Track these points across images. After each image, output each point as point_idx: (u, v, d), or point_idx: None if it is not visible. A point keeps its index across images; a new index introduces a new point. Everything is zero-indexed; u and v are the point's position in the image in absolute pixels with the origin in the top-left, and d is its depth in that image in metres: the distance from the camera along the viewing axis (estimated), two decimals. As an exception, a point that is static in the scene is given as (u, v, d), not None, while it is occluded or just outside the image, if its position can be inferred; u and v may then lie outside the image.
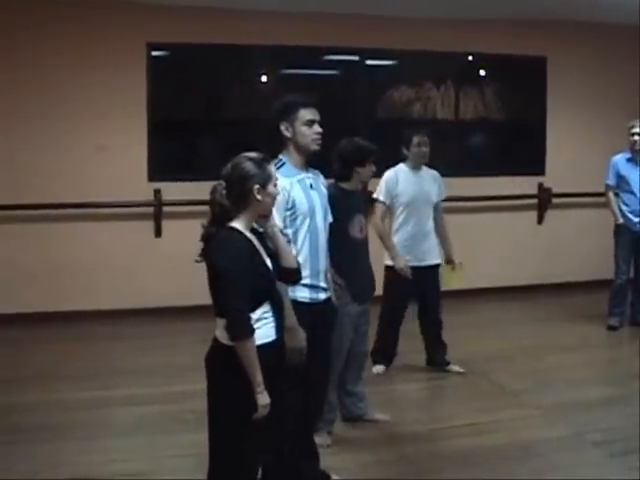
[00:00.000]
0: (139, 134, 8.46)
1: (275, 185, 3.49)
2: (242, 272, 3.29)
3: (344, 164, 5.14)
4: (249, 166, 3.42)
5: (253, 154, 3.49)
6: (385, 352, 6.60)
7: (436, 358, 6.64)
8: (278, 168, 4.06)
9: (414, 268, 6.33)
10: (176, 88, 8.80)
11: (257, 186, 3.40)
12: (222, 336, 3.34)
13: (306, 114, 4.14)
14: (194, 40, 8.44)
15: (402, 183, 6.41)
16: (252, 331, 3.26)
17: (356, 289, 5.05)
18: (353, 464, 4.83)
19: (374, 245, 5.64)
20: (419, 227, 6.42)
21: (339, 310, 4.66)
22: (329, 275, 4.44)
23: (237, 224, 3.42)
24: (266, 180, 3.44)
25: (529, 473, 4.71)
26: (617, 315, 8.09)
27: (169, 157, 8.88)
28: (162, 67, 8.69)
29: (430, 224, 6.51)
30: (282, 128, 4.16)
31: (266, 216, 3.54)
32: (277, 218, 3.92)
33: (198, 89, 9.13)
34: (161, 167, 8.58)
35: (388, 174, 6.46)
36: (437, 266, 6.59)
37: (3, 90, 8.01)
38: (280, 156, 4.20)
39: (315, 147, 4.17)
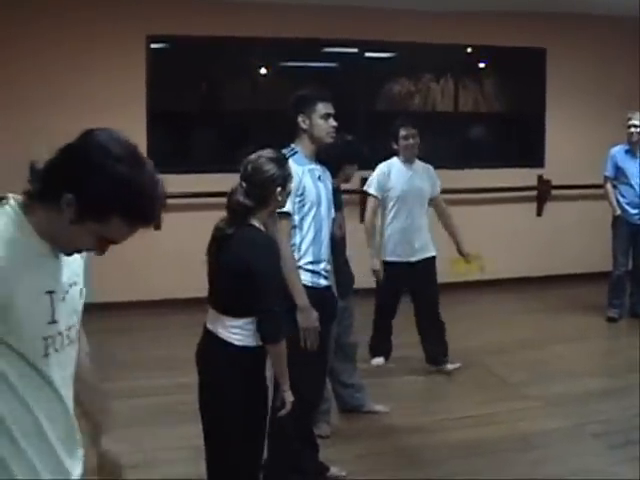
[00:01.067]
0: (138, 126, 8.44)
1: (292, 181, 3.56)
2: (278, 273, 3.34)
3: (333, 161, 4.92)
4: (272, 169, 3.45)
5: (271, 153, 3.53)
6: (381, 344, 6.63)
7: (435, 358, 6.52)
8: (291, 155, 4.12)
9: (406, 263, 6.35)
10: (175, 80, 8.79)
11: (279, 188, 3.44)
12: (226, 334, 3.34)
13: (323, 108, 4.25)
14: (193, 32, 8.42)
15: (394, 177, 6.39)
16: (286, 333, 3.34)
17: (336, 284, 5.02)
18: (351, 456, 4.85)
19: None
20: (411, 221, 6.38)
21: None
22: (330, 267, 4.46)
23: (256, 222, 3.43)
24: (286, 180, 3.51)
25: (529, 464, 4.74)
26: (616, 307, 8.10)
27: (168, 149, 8.86)
28: (161, 59, 8.67)
29: (423, 218, 6.46)
30: (299, 120, 4.25)
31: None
32: (288, 204, 3.94)
33: (197, 81, 9.13)
34: (160, 159, 8.39)
35: (380, 167, 6.46)
36: (431, 259, 6.48)
37: (1, 83, 8.00)
38: (292, 145, 4.29)
39: (329, 140, 4.29)
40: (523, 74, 10.03)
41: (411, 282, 6.46)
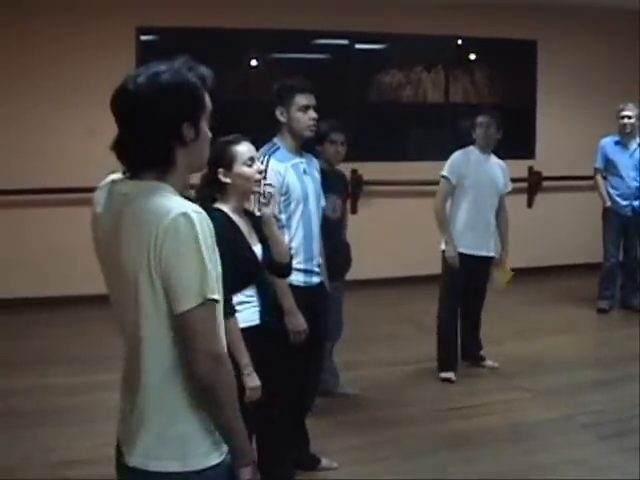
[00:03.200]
0: (129, 119, 8.43)
1: (248, 165, 3.47)
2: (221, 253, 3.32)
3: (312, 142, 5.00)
4: (212, 150, 3.44)
5: (225, 137, 3.49)
6: (449, 353, 6.26)
7: (474, 354, 6.45)
8: (273, 152, 4.09)
9: (471, 257, 6.12)
10: (165, 72, 8.74)
11: (221, 169, 3.41)
12: None
13: (301, 100, 4.12)
14: (183, 24, 8.39)
15: (472, 165, 6.19)
16: (232, 312, 3.25)
17: (328, 266, 4.91)
18: (342, 447, 4.85)
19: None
20: (481, 214, 6.15)
21: None
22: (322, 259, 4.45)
23: (222, 206, 3.43)
24: (230, 161, 3.45)
25: (520, 454, 4.76)
26: (607, 298, 8.12)
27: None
28: (151, 51, 8.62)
29: (492, 213, 6.25)
30: (277, 113, 4.15)
31: (252, 196, 3.56)
32: (273, 204, 3.93)
33: (188, 73, 9.07)
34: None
35: (458, 152, 6.28)
36: (490, 259, 6.31)
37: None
38: (275, 140, 4.20)
39: (309, 134, 4.19)
40: (514, 66, 10.03)
41: (466, 275, 6.17)
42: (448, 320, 6.23)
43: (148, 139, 2.11)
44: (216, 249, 2.12)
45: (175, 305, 2.01)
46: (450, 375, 6.13)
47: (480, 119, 6.27)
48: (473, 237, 6.12)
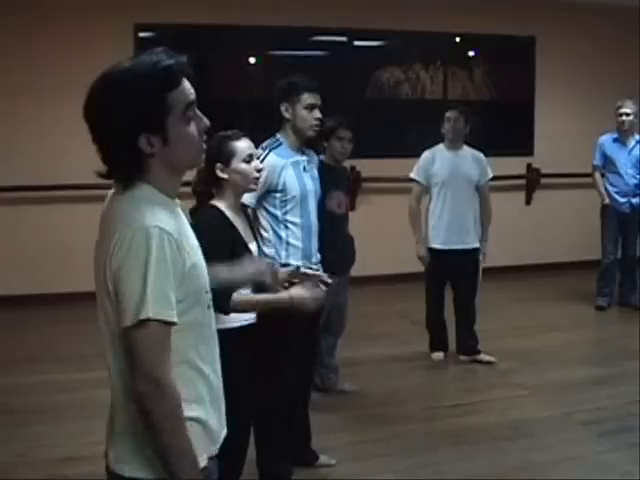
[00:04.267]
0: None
1: (246, 161, 3.45)
2: (211, 243, 3.31)
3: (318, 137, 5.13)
4: (210, 145, 3.44)
5: (222, 132, 3.48)
6: (438, 336, 6.53)
7: (469, 348, 6.48)
8: (275, 147, 4.08)
9: (449, 251, 6.28)
10: (164, 69, 8.72)
11: (219, 164, 3.40)
12: None
13: (308, 98, 4.12)
14: (181, 21, 8.37)
15: (438, 162, 6.31)
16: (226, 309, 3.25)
17: (330, 261, 4.96)
18: (340, 443, 4.85)
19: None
20: (455, 208, 6.28)
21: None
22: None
23: (218, 202, 3.42)
24: (228, 157, 3.43)
25: (518, 451, 4.75)
26: (605, 295, 8.12)
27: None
28: (149, 48, 8.58)
29: (469, 206, 6.35)
30: (282, 109, 4.15)
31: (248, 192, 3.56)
32: (252, 196, 3.93)
33: (186, 70, 9.06)
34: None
35: (425, 153, 6.41)
36: (473, 251, 6.39)
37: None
38: (278, 135, 4.20)
39: (311, 133, 4.18)
40: (512, 62, 10.03)
41: (452, 270, 6.36)
42: (434, 311, 6.47)
43: (107, 151, 2.00)
44: (186, 265, 1.99)
45: (120, 319, 1.93)
46: (439, 355, 6.46)
47: (448, 114, 6.35)
48: (448, 233, 6.28)
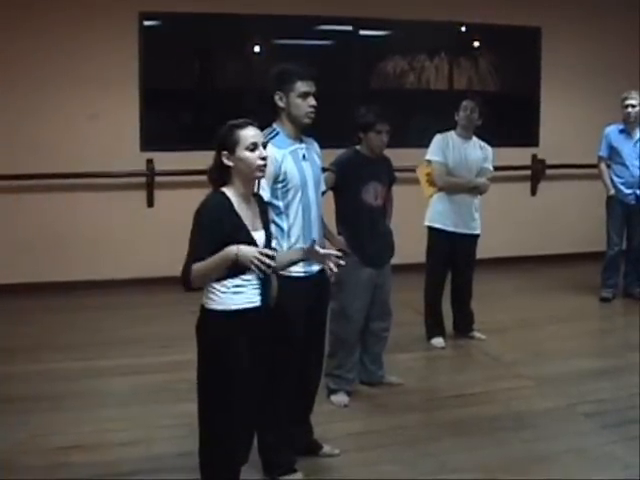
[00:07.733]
0: (131, 104, 8.40)
1: (250, 149, 3.43)
2: (206, 226, 3.32)
3: (354, 128, 5.30)
4: (218, 133, 3.45)
5: (232, 121, 3.49)
6: (436, 320, 6.68)
7: (461, 325, 6.77)
8: (272, 138, 4.04)
9: (451, 233, 6.46)
10: (168, 58, 8.72)
11: (225, 152, 3.40)
12: (205, 300, 3.42)
13: (301, 86, 4.05)
14: (187, 9, 8.35)
15: (451, 147, 6.46)
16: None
17: (369, 254, 5.22)
18: (346, 433, 4.86)
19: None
20: (460, 196, 6.45)
21: (351, 274, 4.97)
22: (327, 244, 4.45)
23: (226, 189, 3.43)
24: (233, 145, 3.43)
25: (521, 443, 4.74)
26: (610, 287, 8.11)
27: (161, 127, 8.81)
28: (154, 36, 8.60)
29: (474, 194, 6.52)
30: (276, 98, 4.09)
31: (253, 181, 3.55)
32: (265, 190, 3.92)
33: (191, 59, 9.07)
34: (153, 137, 8.53)
35: (438, 136, 6.53)
36: (473, 237, 6.60)
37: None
38: (274, 125, 4.14)
39: (307, 121, 4.11)
40: (518, 53, 10.00)
41: (453, 253, 6.53)
42: (433, 290, 6.63)
43: None
44: None
45: None
46: (440, 341, 6.56)
47: (465, 103, 6.55)
48: (454, 216, 6.45)
